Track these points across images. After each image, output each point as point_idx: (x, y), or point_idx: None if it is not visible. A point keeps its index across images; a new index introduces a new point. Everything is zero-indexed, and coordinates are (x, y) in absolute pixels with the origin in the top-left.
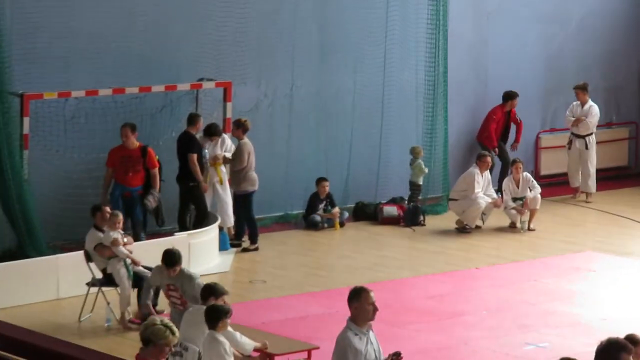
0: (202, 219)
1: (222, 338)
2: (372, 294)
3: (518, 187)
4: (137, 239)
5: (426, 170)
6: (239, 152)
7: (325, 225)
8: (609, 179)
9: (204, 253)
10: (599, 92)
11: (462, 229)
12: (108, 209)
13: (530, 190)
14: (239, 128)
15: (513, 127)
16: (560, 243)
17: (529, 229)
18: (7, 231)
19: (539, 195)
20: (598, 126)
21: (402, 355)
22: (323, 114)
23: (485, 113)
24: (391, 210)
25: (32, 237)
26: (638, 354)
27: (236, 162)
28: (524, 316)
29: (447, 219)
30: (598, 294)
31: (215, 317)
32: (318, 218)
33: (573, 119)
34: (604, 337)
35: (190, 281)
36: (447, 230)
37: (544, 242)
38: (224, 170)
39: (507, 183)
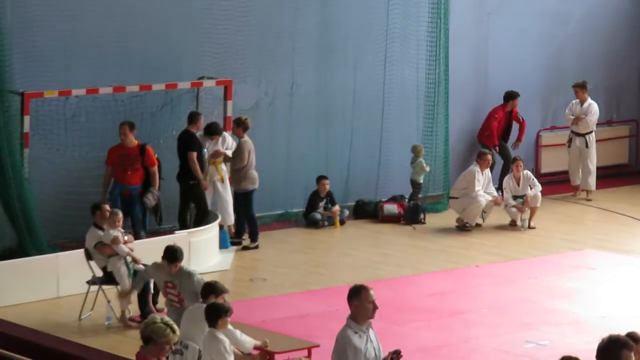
0: (203, 217)
1: (222, 336)
2: (372, 292)
3: (518, 185)
4: (137, 237)
5: (428, 168)
6: (239, 151)
7: (326, 223)
8: (609, 176)
9: (204, 251)
10: (599, 90)
11: (463, 227)
12: (108, 207)
13: (531, 188)
14: (240, 126)
15: (514, 127)
16: (560, 241)
17: (529, 227)
18: (7, 229)
19: (539, 193)
20: (598, 124)
21: (402, 353)
22: (324, 112)
23: (485, 111)
24: (391, 208)
25: (33, 235)
26: (639, 352)
27: (236, 161)
28: (524, 314)
29: (448, 217)
30: (598, 292)
31: (216, 315)
32: (318, 216)
33: (572, 117)
34: (604, 334)
35: (189, 278)
36: (448, 228)
37: (544, 240)
38: (224, 169)
39: (507, 181)
